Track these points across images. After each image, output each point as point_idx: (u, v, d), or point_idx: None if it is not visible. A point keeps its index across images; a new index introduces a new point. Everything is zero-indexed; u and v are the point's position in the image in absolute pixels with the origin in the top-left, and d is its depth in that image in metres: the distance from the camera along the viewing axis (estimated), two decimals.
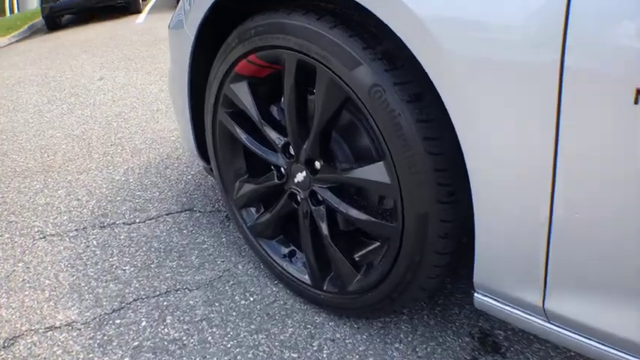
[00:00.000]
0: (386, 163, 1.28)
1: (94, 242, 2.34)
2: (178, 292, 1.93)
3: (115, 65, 6.45)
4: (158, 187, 2.83)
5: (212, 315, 1.79)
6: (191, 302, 1.86)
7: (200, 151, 2.08)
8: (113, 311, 1.86)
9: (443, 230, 1.24)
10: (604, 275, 0.99)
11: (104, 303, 1.91)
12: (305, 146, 1.52)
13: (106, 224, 2.49)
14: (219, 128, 1.83)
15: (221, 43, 1.68)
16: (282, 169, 1.69)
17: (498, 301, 1.21)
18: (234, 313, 1.79)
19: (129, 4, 12.79)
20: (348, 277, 1.57)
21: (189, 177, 2.92)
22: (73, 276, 2.10)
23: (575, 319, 1.06)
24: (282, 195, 1.73)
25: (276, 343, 1.64)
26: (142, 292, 1.95)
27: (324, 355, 1.58)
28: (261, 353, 1.61)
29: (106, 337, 1.74)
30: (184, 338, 1.70)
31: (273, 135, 1.64)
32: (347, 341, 1.63)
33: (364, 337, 1.64)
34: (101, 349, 1.69)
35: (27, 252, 2.34)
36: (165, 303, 1.88)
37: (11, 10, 23.18)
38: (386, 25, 1.14)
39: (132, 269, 2.10)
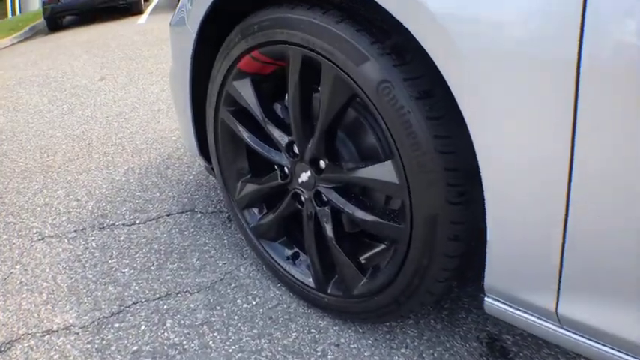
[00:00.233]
0: (394, 162, 1.25)
1: (93, 244, 2.32)
2: (179, 295, 1.90)
3: (116, 65, 6.45)
4: (159, 187, 2.81)
5: (213, 319, 1.76)
6: (192, 305, 1.83)
7: (201, 151, 2.06)
8: (112, 314, 1.83)
9: (453, 232, 1.21)
10: (618, 280, 0.97)
11: (103, 306, 1.88)
12: (310, 145, 1.49)
13: (105, 225, 2.46)
14: (221, 127, 1.81)
15: (223, 39, 1.65)
16: (286, 169, 1.65)
17: (510, 306, 1.18)
18: (235, 317, 1.76)
19: (130, 5, 12.86)
20: (353, 280, 1.53)
21: (190, 177, 2.89)
22: (72, 278, 2.07)
23: (588, 324, 1.04)
24: (285, 195, 1.70)
25: (279, 348, 1.61)
26: (142, 295, 1.92)
27: None
28: (263, 358, 1.58)
29: (104, 342, 1.71)
30: (185, 343, 1.67)
31: (276, 133, 1.61)
32: (352, 346, 1.60)
33: (369, 341, 1.61)
34: (99, 353, 1.66)
35: (25, 253, 2.31)
36: (165, 306, 1.84)
37: (13, 12, 23.31)
38: (394, 19, 1.11)
39: (131, 271, 2.07)
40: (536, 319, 1.13)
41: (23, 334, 1.79)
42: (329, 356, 1.57)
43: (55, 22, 12.84)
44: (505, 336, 1.59)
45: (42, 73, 6.72)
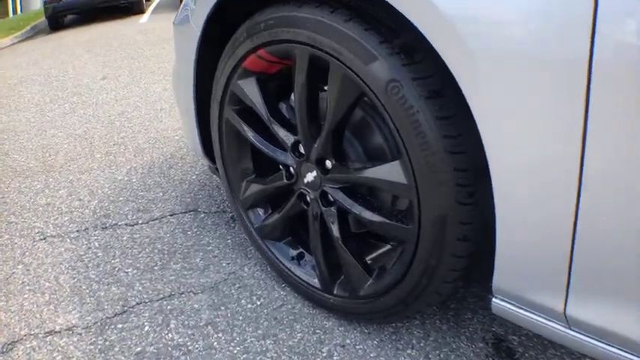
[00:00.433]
0: (402, 162, 1.24)
1: (96, 244, 2.31)
2: (182, 295, 1.89)
3: (118, 64, 6.46)
4: (162, 187, 2.80)
5: (217, 319, 1.75)
6: (196, 306, 1.82)
7: (205, 150, 2.05)
8: (115, 315, 1.83)
9: (462, 233, 1.20)
10: (628, 280, 0.96)
11: (106, 307, 1.88)
12: (316, 145, 1.48)
13: (108, 225, 2.46)
14: (225, 126, 1.80)
15: (229, 37, 1.64)
16: (292, 169, 1.65)
17: (517, 307, 1.18)
18: (240, 318, 1.75)
19: (132, 4, 12.90)
20: (359, 281, 1.52)
21: (193, 177, 2.89)
22: (74, 278, 2.07)
23: (596, 325, 1.03)
24: (290, 195, 1.69)
25: (284, 349, 1.60)
26: (145, 296, 1.91)
27: None
28: (268, 359, 1.57)
29: (107, 343, 1.70)
30: (189, 344, 1.66)
31: (282, 133, 1.60)
32: (357, 347, 1.59)
33: (375, 342, 1.60)
34: (103, 354, 1.65)
35: (27, 253, 2.31)
36: (169, 307, 1.83)
37: (14, 11, 23.34)
38: (403, 18, 1.10)
39: (134, 271, 2.06)
40: (544, 320, 1.13)
41: (25, 335, 1.78)
42: (335, 357, 1.56)
43: (57, 21, 12.89)
44: (511, 337, 1.58)
45: (43, 72, 6.72)
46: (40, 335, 1.77)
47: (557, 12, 0.88)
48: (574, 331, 1.08)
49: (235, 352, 1.61)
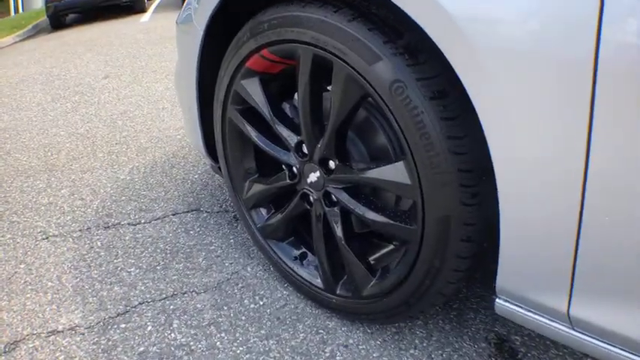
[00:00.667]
0: (406, 162, 1.24)
1: (98, 243, 2.31)
2: (185, 295, 1.89)
3: (119, 63, 6.46)
4: (164, 186, 2.80)
5: (220, 319, 1.75)
6: (199, 306, 1.82)
7: (208, 150, 2.05)
8: (118, 315, 1.83)
9: (466, 233, 1.20)
10: (631, 282, 0.96)
11: (108, 306, 1.88)
12: (319, 145, 1.48)
13: (110, 224, 2.46)
14: (228, 126, 1.80)
15: (232, 37, 1.64)
16: (295, 169, 1.64)
17: (521, 307, 1.18)
18: (243, 318, 1.75)
19: (134, 3, 12.86)
20: (362, 281, 1.52)
21: (195, 176, 2.89)
22: (77, 278, 2.07)
23: (600, 326, 1.03)
24: (294, 195, 1.69)
25: (287, 349, 1.60)
26: (148, 295, 1.91)
27: None
28: (271, 359, 1.57)
29: (110, 342, 1.70)
30: (192, 343, 1.66)
31: (285, 133, 1.60)
32: (360, 347, 1.59)
33: (378, 342, 1.60)
34: (105, 354, 1.65)
35: (29, 253, 2.31)
36: (171, 306, 1.83)
37: (16, 10, 23.35)
38: (408, 18, 1.10)
39: (137, 271, 2.06)
40: (547, 321, 1.13)
41: (28, 335, 1.78)
42: (337, 357, 1.56)
43: (58, 20, 12.86)
44: (514, 337, 1.58)
45: (45, 71, 6.72)
46: (43, 335, 1.77)
47: (563, 11, 0.88)
48: (577, 331, 1.08)
49: (238, 352, 1.61)
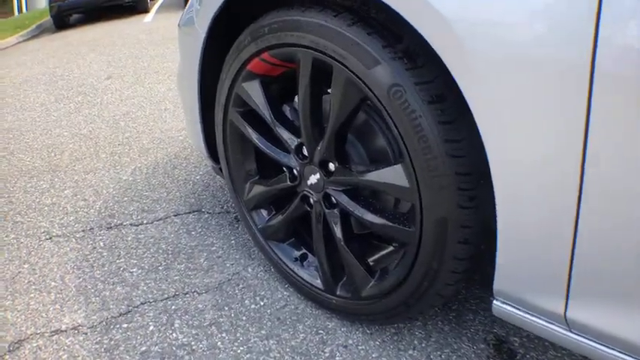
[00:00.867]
0: (405, 165, 1.25)
1: (101, 243, 2.32)
2: (187, 295, 1.90)
3: (122, 64, 6.47)
4: (166, 187, 2.82)
5: (221, 319, 1.76)
6: (200, 306, 1.84)
7: (209, 151, 2.06)
8: (120, 315, 1.84)
9: (463, 236, 1.21)
10: (628, 284, 0.97)
11: (111, 306, 1.89)
12: (319, 147, 1.49)
13: (113, 225, 2.47)
14: (229, 128, 1.81)
15: (233, 40, 1.65)
16: (295, 171, 1.65)
17: (518, 309, 1.19)
18: (244, 318, 1.76)
19: (137, 3, 12.86)
20: (361, 282, 1.54)
21: (197, 177, 2.90)
22: (80, 278, 2.08)
23: (597, 328, 1.04)
24: (294, 197, 1.70)
25: (287, 349, 1.62)
26: (150, 296, 1.92)
27: None
28: (271, 359, 1.59)
29: (112, 342, 1.72)
30: (193, 343, 1.67)
31: (286, 135, 1.61)
32: (359, 348, 1.60)
33: (377, 343, 1.61)
34: (108, 353, 1.67)
35: (33, 253, 2.32)
36: (173, 307, 1.85)
37: (19, 10, 23.35)
38: (406, 22, 1.11)
39: (139, 271, 2.08)
40: (544, 323, 1.14)
41: (32, 334, 1.79)
42: (337, 357, 1.57)
43: (62, 20, 12.85)
44: (512, 338, 1.59)
45: (48, 71, 6.74)
46: (46, 334, 1.78)
47: (560, 15, 0.89)
48: (574, 333, 1.09)
49: (239, 351, 1.62)
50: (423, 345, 1.59)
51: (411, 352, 1.57)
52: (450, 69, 1.05)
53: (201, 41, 1.74)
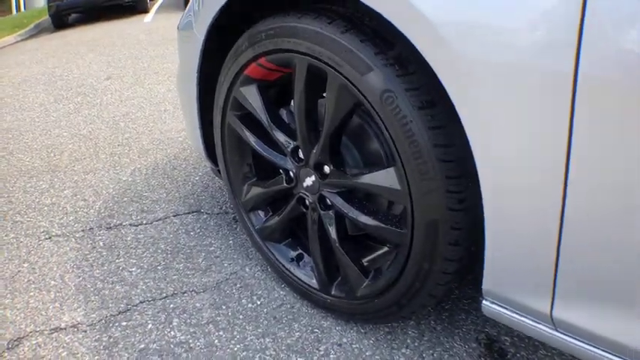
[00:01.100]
0: (396, 169, 1.28)
1: (101, 243, 2.35)
2: (185, 294, 1.93)
3: (122, 64, 6.48)
4: (165, 188, 2.84)
5: (219, 318, 1.79)
6: (198, 305, 1.86)
7: (208, 153, 2.08)
8: (119, 313, 1.86)
9: (453, 237, 1.24)
10: (612, 284, 0.99)
11: (110, 305, 1.91)
12: (314, 150, 1.52)
13: (112, 225, 2.50)
14: (227, 131, 1.83)
15: (231, 45, 1.67)
16: (291, 173, 1.68)
17: (506, 309, 1.21)
18: (240, 317, 1.79)
19: (136, 3, 12.80)
20: (356, 282, 1.56)
21: (196, 178, 2.92)
22: (79, 277, 2.11)
23: (582, 327, 1.06)
24: (290, 199, 1.73)
25: (283, 347, 1.64)
26: (149, 294, 1.95)
27: None
28: (267, 357, 1.61)
29: (111, 340, 1.74)
30: (191, 341, 1.70)
31: (282, 139, 1.64)
32: (354, 346, 1.63)
33: (371, 342, 1.64)
34: (107, 351, 1.69)
35: (32, 252, 2.34)
36: (171, 305, 1.87)
37: (18, 9, 23.25)
38: (398, 30, 1.13)
39: (138, 271, 2.10)
40: (531, 322, 1.16)
41: (31, 332, 1.82)
42: (331, 355, 1.59)
43: (61, 19, 12.78)
44: (503, 337, 1.61)
45: (47, 71, 6.74)
46: (46, 332, 1.81)
47: (545, 24, 0.91)
48: (561, 332, 1.10)
49: (235, 349, 1.65)
50: (416, 344, 1.61)
51: (404, 350, 1.59)
52: (439, 77, 1.07)
53: (199, 45, 1.76)
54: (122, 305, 1.90)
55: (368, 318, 1.61)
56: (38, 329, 1.83)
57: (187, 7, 1.97)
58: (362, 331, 1.68)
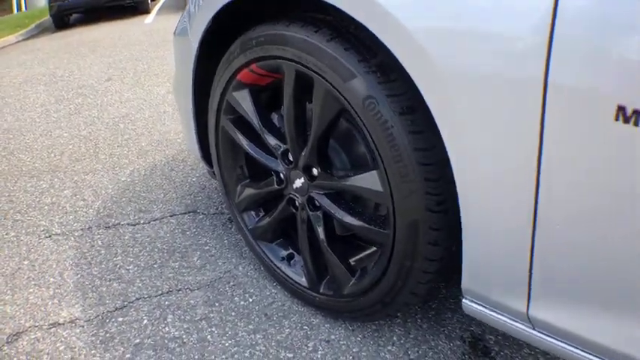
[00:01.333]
0: (379, 172, 1.32)
1: (99, 242, 2.39)
2: (180, 291, 1.97)
3: (122, 66, 6.49)
4: (163, 188, 2.87)
5: (212, 315, 1.83)
6: (192, 302, 1.90)
7: (204, 155, 2.12)
8: (116, 309, 1.91)
9: (432, 237, 1.28)
10: (587, 284, 1.02)
11: (107, 301, 1.96)
12: (303, 153, 1.56)
13: (110, 224, 2.53)
14: (221, 134, 1.87)
15: (224, 51, 1.71)
16: (282, 175, 1.72)
17: (485, 307, 1.24)
18: (233, 314, 1.83)
19: (137, 4, 12.78)
20: (343, 281, 1.60)
21: (193, 179, 2.95)
22: (78, 274, 2.15)
23: (559, 327, 1.09)
24: (281, 200, 1.77)
25: (273, 343, 1.68)
26: (145, 292, 1.99)
27: (319, 356, 1.62)
28: (257, 352, 1.65)
29: (108, 334, 1.78)
30: (184, 337, 1.74)
31: (273, 142, 1.68)
32: (341, 343, 1.66)
33: (358, 339, 1.68)
34: (103, 345, 1.74)
35: (32, 250, 2.38)
36: (166, 302, 1.92)
37: (19, 8, 23.17)
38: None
39: (135, 269, 2.15)
40: (509, 321, 1.19)
41: (30, 327, 1.86)
42: (319, 352, 1.64)
43: (62, 19, 12.72)
44: (488, 336, 1.65)
45: (48, 71, 6.74)
46: (45, 327, 1.85)
47: (515, 35, 0.95)
48: (538, 331, 1.14)
49: (227, 345, 1.69)
50: (402, 341, 1.65)
51: (390, 347, 1.63)
52: (417, 84, 1.11)
53: (194, 51, 1.80)
54: (119, 302, 1.95)
55: (355, 315, 1.65)
56: (37, 324, 1.87)
57: (183, 13, 2.00)
58: (350, 328, 1.72)
